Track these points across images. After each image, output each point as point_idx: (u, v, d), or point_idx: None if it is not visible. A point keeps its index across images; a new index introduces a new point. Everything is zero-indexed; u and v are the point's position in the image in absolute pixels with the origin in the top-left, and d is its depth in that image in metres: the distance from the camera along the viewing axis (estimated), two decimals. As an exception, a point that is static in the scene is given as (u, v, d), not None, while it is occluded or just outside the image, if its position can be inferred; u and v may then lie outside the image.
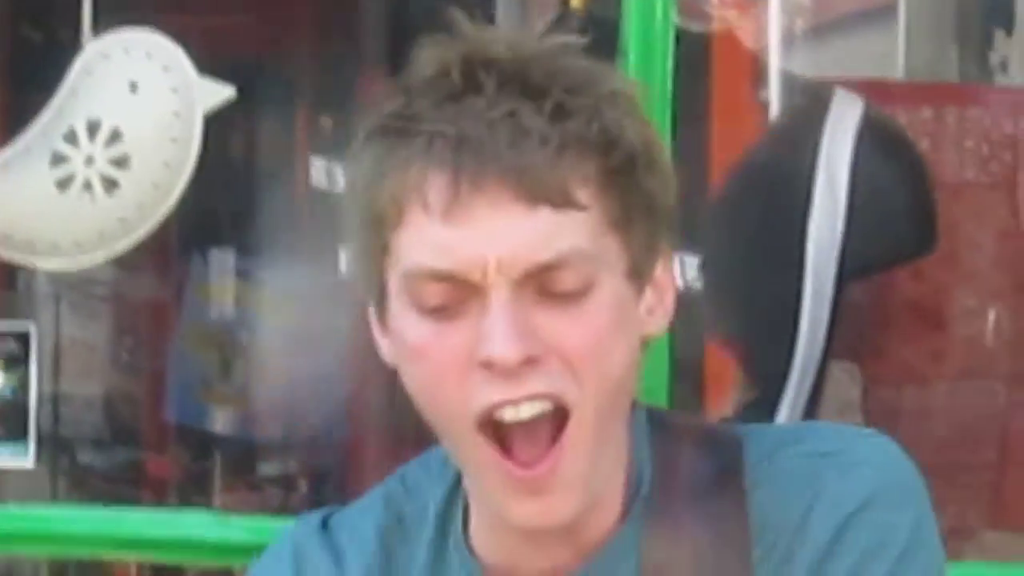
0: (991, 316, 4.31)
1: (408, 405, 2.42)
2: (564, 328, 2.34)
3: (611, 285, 2.37)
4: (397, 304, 2.37)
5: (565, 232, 2.33)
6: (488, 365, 2.29)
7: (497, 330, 2.30)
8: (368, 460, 4.91)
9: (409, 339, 2.36)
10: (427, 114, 2.34)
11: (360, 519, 2.59)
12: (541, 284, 2.32)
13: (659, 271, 2.44)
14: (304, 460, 5.01)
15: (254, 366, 5.08)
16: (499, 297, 2.32)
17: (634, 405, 2.51)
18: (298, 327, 4.98)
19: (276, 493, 5.05)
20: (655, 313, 2.46)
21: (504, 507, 2.38)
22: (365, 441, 4.72)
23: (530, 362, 2.30)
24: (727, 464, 2.55)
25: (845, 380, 4.20)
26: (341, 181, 3.98)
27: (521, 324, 2.32)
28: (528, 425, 2.33)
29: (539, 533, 2.41)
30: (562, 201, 2.32)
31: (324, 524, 2.61)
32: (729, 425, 2.74)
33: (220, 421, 5.04)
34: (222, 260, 4.88)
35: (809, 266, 3.78)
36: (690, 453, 2.58)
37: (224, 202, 4.76)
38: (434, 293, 2.33)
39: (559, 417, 2.33)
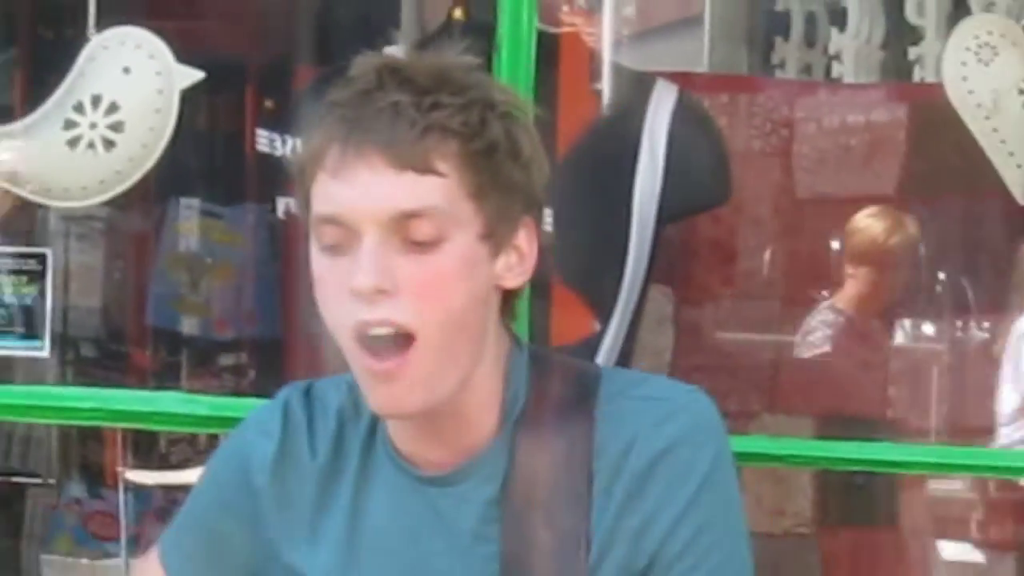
0: (768, 252, 4.28)
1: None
2: (414, 270, 2.38)
3: (462, 242, 2.41)
4: (311, 243, 2.45)
5: (424, 192, 2.37)
6: (354, 292, 2.37)
7: (362, 265, 2.36)
8: (298, 355, 4.84)
9: (314, 270, 2.45)
10: (341, 103, 2.44)
11: (330, 394, 2.64)
12: (404, 233, 2.37)
13: (520, 239, 2.46)
14: (251, 354, 5.07)
15: (215, 283, 5.14)
16: (370, 240, 2.38)
17: (519, 344, 2.56)
18: (246, 254, 5.05)
19: (231, 379, 5.14)
20: (513, 271, 2.48)
21: (367, 394, 2.45)
22: (295, 340, 4.69)
23: (383, 293, 2.37)
24: (584, 397, 2.54)
25: (662, 299, 4.25)
26: (279, 148, 4.00)
27: (381, 263, 2.37)
28: (385, 338, 2.38)
29: (403, 424, 2.49)
30: (423, 168, 2.37)
31: (307, 391, 2.66)
32: (592, 365, 2.72)
33: (188, 325, 5.11)
34: (191, 204, 5.00)
35: (635, 214, 3.79)
36: (558, 385, 2.59)
37: (193, 159, 4.83)
38: (328, 234, 2.40)
39: (409, 337, 2.38)
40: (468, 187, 2.41)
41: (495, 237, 2.45)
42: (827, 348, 4.65)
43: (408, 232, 2.38)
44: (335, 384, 2.64)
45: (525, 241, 2.48)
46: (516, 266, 2.48)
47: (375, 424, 2.59)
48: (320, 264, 2.43)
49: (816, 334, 4.75)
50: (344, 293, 2.40)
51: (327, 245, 2.42)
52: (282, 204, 4.52)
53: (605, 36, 4.82)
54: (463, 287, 2.44)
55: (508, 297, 2.51)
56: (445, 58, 2.50)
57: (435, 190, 2.39)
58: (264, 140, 3.99)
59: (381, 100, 2.41)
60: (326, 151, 2.41)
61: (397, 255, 2.38)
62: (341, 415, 2.64)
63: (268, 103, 4.39)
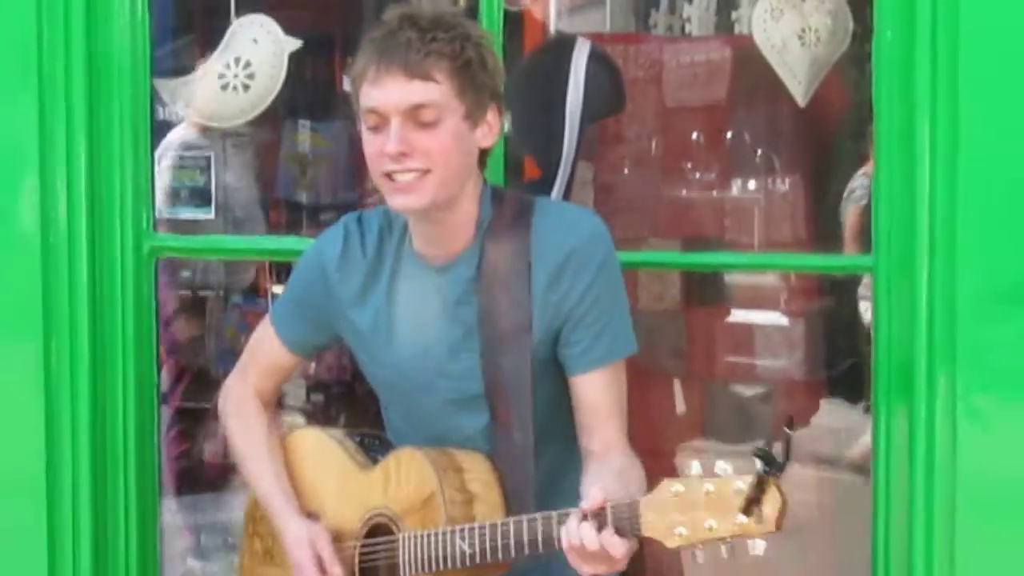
0: (650, 140, 4.33)
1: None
2: (424, 140, 2.67)
3: (453, 122, 2.69)
4: (362, 122, 2.75)
5: (427, 92, 2.66)
6: (387, 154, 2.67)
7: (392, 137, 2.67)
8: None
9: (364, 141, 2.74)
10: (375, 39, 2.73)
11: (373, 218, 2.92)
12: (415, 118, 2.67)
13: (489, 117, 2.76)
14: (339, 212, 4.90)
15: (317, 171, 5.15)
16: (395, 122, 2.67)
17: (487, 184, 2.85)
18: (334, 152, 5.18)
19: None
20: (487, 137, 2.80)
21: (391, 203, 2.73)
22: (364, 202, 4.94)
23: (405, 155, 2.66)
24: (525, 216, 2.81)
25: (586, 168, 4.15)
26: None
27: (402, 136, 2.66)
28: (405, 176, 2.67)
29: (422, 221, 2.77)
30: (426, 78, 2.66)
31: (358, 218, 2.95)
32: (529, 196, 2.88)
33: (301, 196, 5.17)
34: (300, 122, 5.08)
35: (567, 116, 3.86)
36: (509, 209, 2.85)
37: (301, 95, 4.94)
38: (370, 119, 2.71)
39: (423, 172, 2.67)
40: (455, 88, 2.70)
41: (473, 117, 2.73)
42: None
43: (418, 117, 2.68)
44: (376, 212, 2.92)
45: (492, 118, 2.78)
46: (487, 134, 2.78)
47: (403, 236, 2.85)
48: (367, 138, 2.73)
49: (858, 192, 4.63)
50: (380, 154, 2.69)
51: (370, 126, 2.71)
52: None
53: (551, 13, 4.95)
54: (458, 150, 2.72)
55: (483, 153, 2.79)
56: (441, 9, 2.82)
57: (434, 91, 2.68)
58: (346, 82, 4.14)
59: (400, 36, 2.71)
60: (367, 69, 2.72)
61: (412, 132, 2.68)
62: (381, 231, 2.89)
63: (349, 60, 4.40)
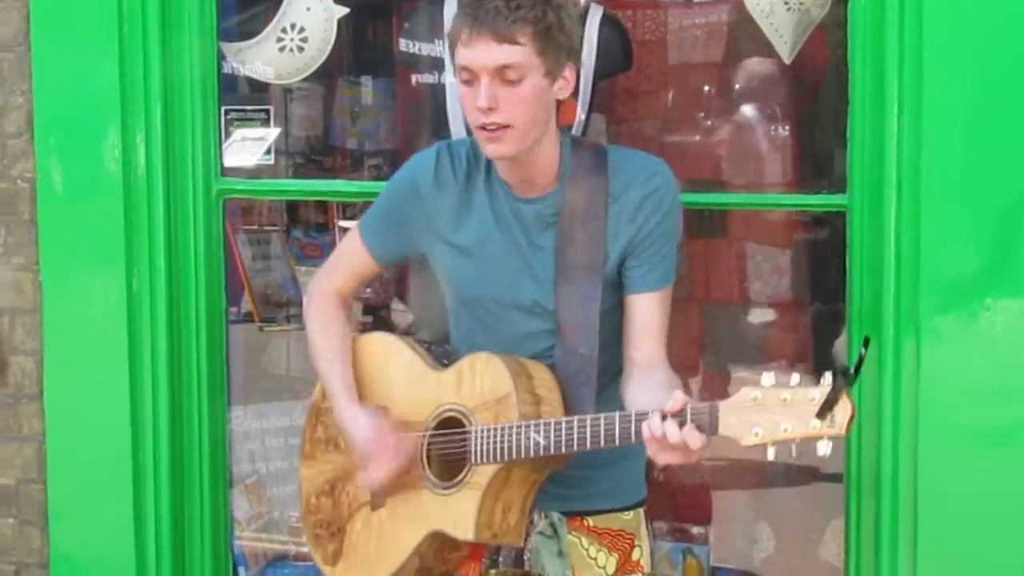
0: (657, 93, 4.26)
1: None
2: (510, 96, 2.67)
3: (533, 80, 2.68)
4: (457, 77, 2.73)
5: (512, 53, 2.65)
6: (478, 108, 2.67)
7: (482, 94, 2.66)
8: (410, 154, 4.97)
9: (460, 94, 2.73)
10: (468, 6, 2.69)
11: (460, 147, 2.90)
12: (502, 76, 2.67)
13: (566, 73, 2.74)
14: (384, 158, 5.03)
15: (364, 120, 5.03)
16: (484, 79, 2.67)
17: (567, 133, 2.84)
18: (379, 104, 5.04)
19: (374, 172, 5.01)
20: (564, 90, 2.74)
21: (484, 148, 2.73)
22: (407, 149, 4.70)
23: (492, 109, 2.66)
24: (602, 162, 2.79)
25: (599, 120, 4.09)
26: (411, 48, 4.02)
27: (491, 92, 2.66)
28: (495, 128, 2.67)
29: (510, 164, 2.76)
30: (511, 41, 2.65)
31: (448, 145, 2.91)
32: (602, 144, 2.88)
33: (350, 143, 5.07)
34: (349, 78, 4.96)
35: (583, 68, 3.65)
36: (587, 154, 2.81)
37: (352, 56, 4.87)
38: (464, 76, 2.70)
39: (507, 126, 2.66)
40: (536, 50, 2.67)
41: (552, 74, 2.72)
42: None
43: (504, 75, 2.66)
44: (462, 142, 2.91)
45: (568, 73, 2.75)
46: (564, 87, 2.75)
47: (490, 168, 2.82)
48: (462, 91, 2.72)
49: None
50: (474, 108, 2.69)
51: (464, 80, 2.70)
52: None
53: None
54: (537, 104, 2.70)
55: (559, 103, 2.78)
56: None
57: (518, 52, 2.66)
58: (404, 44, 4.04)
59: (489, 3, 2.67)
60: (461, 31, 2.70)
61: (500, 88, 2.66)
62: (468, 159, 2.87)
63: (406, 24, 4.26)
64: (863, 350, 2.30)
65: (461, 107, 2.76)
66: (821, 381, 2.30)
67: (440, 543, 2.81)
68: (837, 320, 3.84)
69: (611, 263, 2.75)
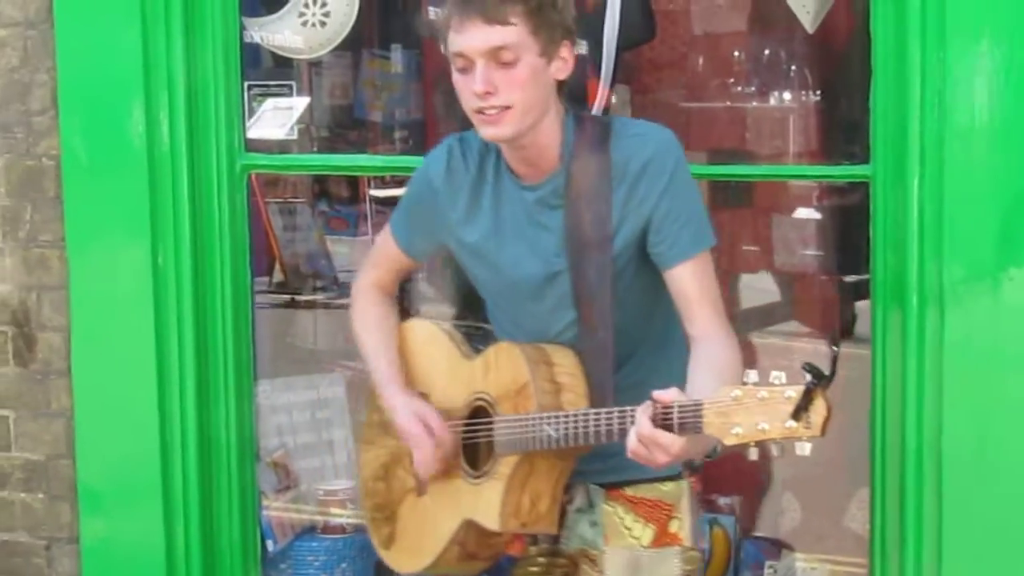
0: (681, 62, 4.28)
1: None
2: (505, 78, 2.65)
3: (529, 60, 2.66)
4: (452, 65, 2.71)
5: (506, 34, 2.63)
6: (476, 92, 2.65)
7: (478, 78, 2.65)
8: (432, 129, 4.85)
9: (455, 81, 2.71)
10: None
11: (473, 139, 2.85)
12: (497, 59, 2.65)
13: (563, 52, 2.70)
14: (409, 131, 5.03)
15: (388, 94, 5.03)
16: (479, 64, 2.65)
17: (568, 111, 2.78)
18: (403, 77, 5.08)
19: (399, 144, 5.03)
20: (561, 71, 2.71)
21: (481, 132, 2.71)
22: (432, 123, 4.93)
23: (489, 93, 2.64)
24: (605, 137, 2.74)
25: (622, 90, 4.09)
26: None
27: (487, 76, 2.66)
28: (493, 112, 2.65)
29: (511, 147, 2.74)
30: (504, 22, 2.63)
31: (460, 138, 2.88)
32: (606, 117, 2.90)
33: (375, 115, 5.06)
34: (372, 51, 4.96)
35: (604, 43, 3.69)
36: (590, 132, 2.76)
37: (375, 29, 4.88)
38: (458, 62, 2.68)
39: (506, 108, 2.65)
40: (529, 28, 2.67)
41: (547, 54, 2.68)
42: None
43: (498, 57, 2.66)
44: (474, 134, 2.81)
45: (566, 53, 2.72)
46: (562, 67, 2.71)
47: (499, 155, 2.79)
48: (457, 79, 2.70)
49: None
50: (470, 93, 2.66)
51: (459, 68, 2.68)
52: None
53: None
54: (533, 85, 2.67)
55: (560, 84, 2.72)
56: None
57: (511, 33, 2.67)
58: (433, 12, 4.01)
59: None
60: (452, 18, 2.67)
61: (494, 71, 2.66)
62: (480, 151, 2.84)
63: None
64: (835, 349, 2.29)
65: (459, 94, 2.73)
66: (802, 379, 2.26)
67: (478, 531, 2.82)
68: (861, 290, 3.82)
69: (622, 240, 2.72)
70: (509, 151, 2.78)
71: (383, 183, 5.30)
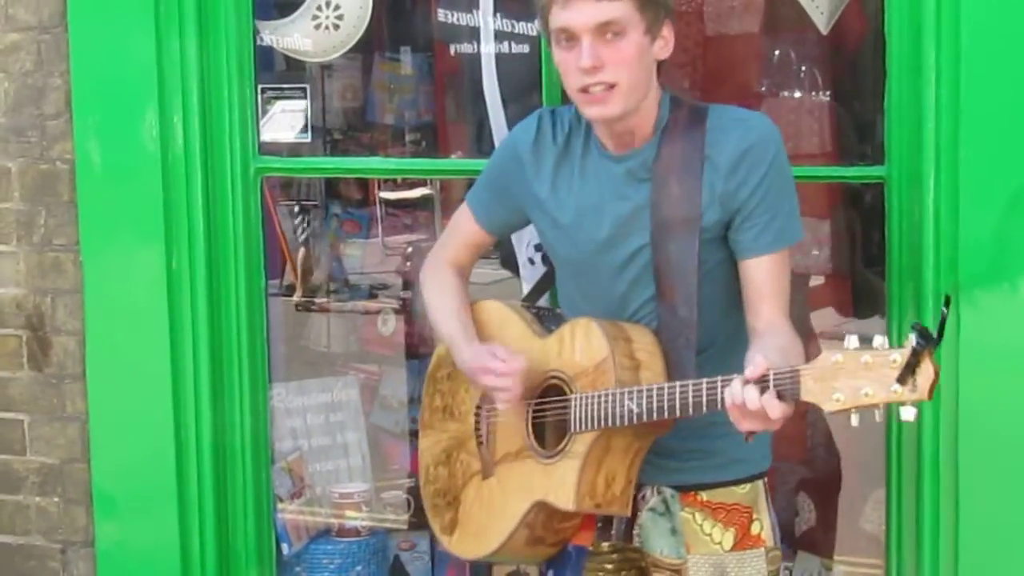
0: (695, 63, 4.21)
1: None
2: (612, 54, 2.63)
3: (635, 36, 2.65)
4: (553, 42, 2.70)
5: (613, 10, 2.61)
6: (581, 69, 2.64)
7: (584, 53, 2.63)
8: (449, 132, 4.72)
9: (557, 56, 2.71)
10: None
11: (564, 113, 2.85)
12: (603, 34, 2.62)
13: (664, 32, 2.72)
14: (422, 134, 4.98)
15: (401, 96, 4.99)
16: (585, 39, 2.63)
17: (665, 89, 2.78)
18: (414, 79, 5.00)
19: (412, 148, 4.96)
20: (664, 49, 2.72)
21: (586, 112, 2.71)
22: (445, 125, 4.79)
23: (596, 68, 2.63)
24: (700, 119, 2.74)
25: None
26: (449, 18, 3.92)
27: (594, 51, 2.63)
28: (599, 88, 2.64)
29: (609, 126, 2.73)
30: None
31: (552, 111, 2.90)
32: (704, 104, 2.80)
33: (388, 118, 5.04)
34: (383, 54, 4.93)
35: None
36: (685, 112, 2.76)
37: (387, 31, 4.83)
38: (563, 37, 2.67)
39: (612, 85, 2.63)
40: (636, 6, 2.63)
41: (652, 32, 2.69)
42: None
43: (605, 33, 2.62)
44: (567, 108, 2.87)
45: (668, 32, 2.73)
46: (664, 47, 2.72)
47: (590, 129, 2.79)
48: (560, 55, 2.69)
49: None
50: (574, 69, 2.65)
51: (563, 45, 2.67)
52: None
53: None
54: (638, 62, 2.67)
55: (661, 64, 2.75)
56: None
57: (618, 8, 2.62)
58: (443, 14, 3.97)
59: None
60: None
61: (602, 47, 2.63)
62: (570, 123, 2.85)
63: None
64: (944, 309, 2.22)
65: (561, 72, 2.72)
66: (906, 343, 2.22)
67: (548, 513, 2.79)
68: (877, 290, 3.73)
69: (708, 221, 2.69)
70: (603, 127, 2.77)
71: (394, 185, 5.31)
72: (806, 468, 4.24)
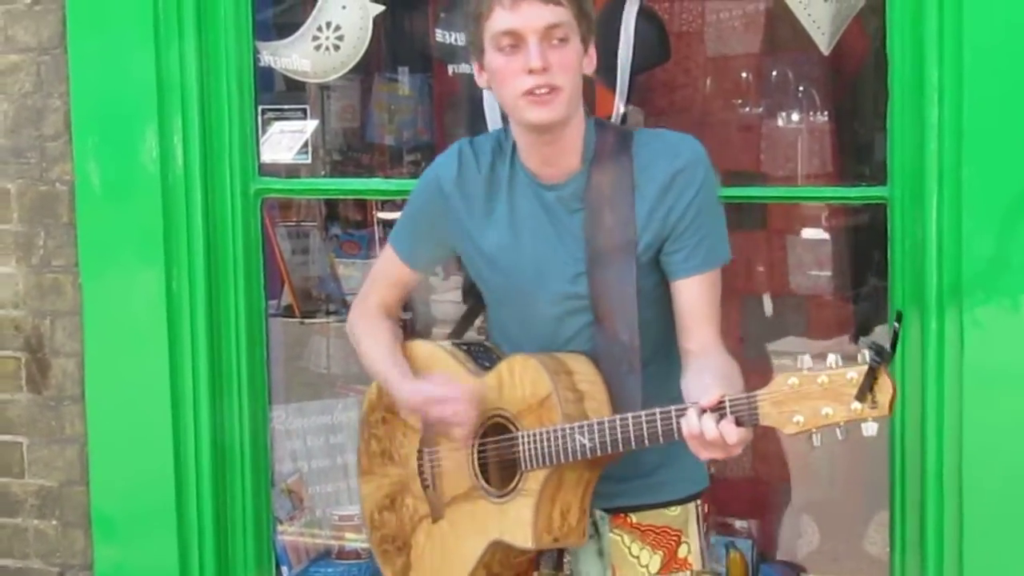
0: (695, 84, 4.26)
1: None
2: (558, 58, 2.63)
3: (575, 44, 2.66)
4: (489, 51, 2.69)
5: (558, 13, 2.62)
6: (531, 68, 2.62)
7: (533, 54, 2.62)
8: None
9: (493, 64, 2.69)
10: None
11: (485, 141, 2.87)
12: (549, 37, 2.62)
13: (591, 47, 2.72)
14: (421, 154, 5.01)
15: (400, 117, 5.00)
16: (532, 42, 2.63)
17: (589, 115, 2.78)
18: (414, 100, 5.03)
19: (411, 168, 4.97)
20: (588, 65, 2.71)
21: (527, 117, 2.66)
22: (443, 142, 4.56)
23: (545, 69, 2.62)
24: (626, 144, 2.74)
25: (635, 112, 3.90)
26: (447, 39, 4.05)
27: (541, 54, 2.62)
28: (543, 91, 2.62)
29: (543, 138, 2.71)
30: (556, 1, 2.63)
31: (470, 141, 2.88)
32: (628, 128, 2.86)
33: (387, 139, 5.06)
34: (383, 74, 4.95)
35: (619, 66, 3.70)
36: (612, 136, 2.76)
37: (387, 52, 4.86)
38: (506, 41, 2.65)
39: (556, 89, 2.62)
40: (574, 12, 2.65)
41: (586, 41, 2.68)
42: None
43: (551, 36, 2.62)
44: (487, 136, 2.88)
45: (592, 50, 2.73)
46: (588, 63, 2.72)
47: (514, 157, 2.78)
48: (499, 61, 2.66)
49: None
50: (518, 74, 2.63)
51: (505, 47, 2.65)
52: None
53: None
54: (577, 67, 2.67)
55: (591, 89, 2.82)
56: None
57: (563, 12, 2.63)
58: (440, 35, 4.09)
59: None
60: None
61: (548, 50, 2.63)
62: (492, 152, 2.83)
63: (442, 15, 4.26)
64: (896, 325, 2.26)
65: (497, 81, 2.71)
66: (859, 359, 2.23)
67: (504, 551, 2.78)
68: (880, 310, 3.81)
69: (643, 246, 2.70)
70: (533, 147, 2.76)
71: (393, 206, 5.16)
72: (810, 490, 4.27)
